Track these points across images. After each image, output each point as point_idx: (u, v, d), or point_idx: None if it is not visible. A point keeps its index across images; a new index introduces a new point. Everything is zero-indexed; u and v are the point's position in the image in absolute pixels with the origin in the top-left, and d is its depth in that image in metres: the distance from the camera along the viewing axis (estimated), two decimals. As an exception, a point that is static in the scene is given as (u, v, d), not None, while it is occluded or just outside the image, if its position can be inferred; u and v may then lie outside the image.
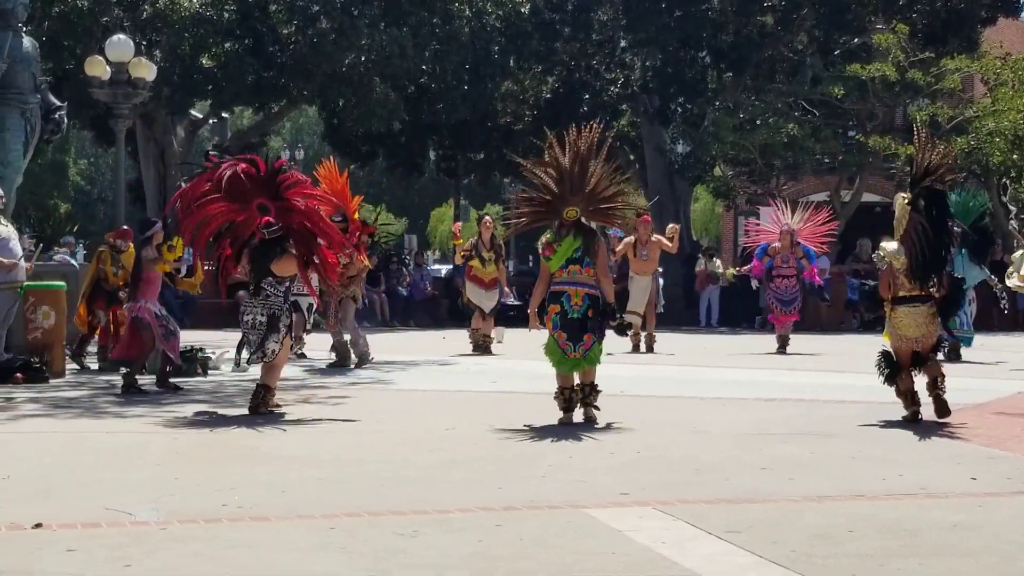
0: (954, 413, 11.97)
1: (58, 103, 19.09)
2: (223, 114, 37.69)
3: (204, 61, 30.68)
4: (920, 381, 12.04)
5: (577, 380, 11.95)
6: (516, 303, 27.99)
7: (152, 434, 11.23)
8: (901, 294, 11.91)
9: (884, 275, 12.16)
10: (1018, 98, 31.93)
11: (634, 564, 6.63)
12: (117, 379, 15.10)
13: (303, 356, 19.29)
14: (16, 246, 15.85)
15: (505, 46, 34.74)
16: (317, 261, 12.60)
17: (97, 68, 22.75)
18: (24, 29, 18.73)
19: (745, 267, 22.87)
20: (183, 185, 13.60)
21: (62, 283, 16.89)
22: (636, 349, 21.89)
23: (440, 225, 66.98)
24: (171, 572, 6.38)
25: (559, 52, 37.38)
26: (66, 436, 11.23)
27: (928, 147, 11.88)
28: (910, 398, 11.92)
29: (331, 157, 19.53)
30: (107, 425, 11.84)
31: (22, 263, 15.87)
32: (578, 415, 11.87)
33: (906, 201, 11.77)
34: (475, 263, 21.32)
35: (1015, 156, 31.82)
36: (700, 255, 34.59)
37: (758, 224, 24.72)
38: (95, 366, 17.48)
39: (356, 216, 17.61)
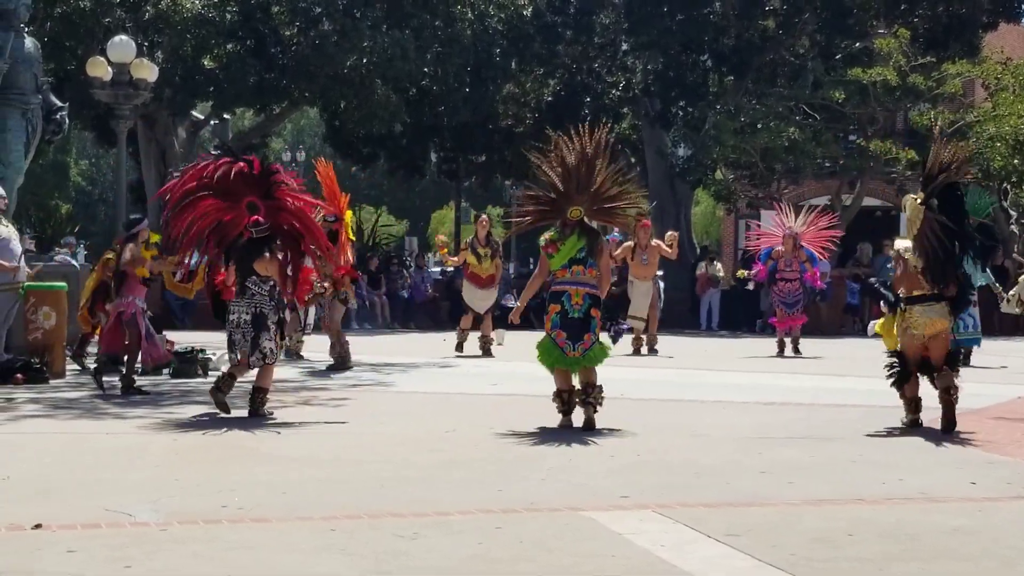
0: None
1: (60, 104, 19.10)
2: (224, 115, 37.70)
3: (206, 62, 30.69)
4: (930, 388, 11.96)
5: (577, 382, 11.93)
6: (516, 304, 27.93)
7: (152, 435, 11.23)
8: (916, 293, 11.82)
9: (900, 276, 12.08)
10: (1019, 103, 31.93)
11: (634, 567, 6.63)
12: (117, 380, 15.09)
13: (301, 357, 19.28)
14: (17, 247, 15.85)
15: (507, 49, 34.75)
16: (290, 273, 12.57)
17: (99, 69, 22.79)
18: (26, 30, 18.75)
19: (751, 271, 22.85)
20: (173, 177, 13.52)
21: (63, 284, 16.89)
22: (637, 353, 21.91)
23: (441, 227, 66.98)
24: (171, 573, 6.39)
25: (561, 55, 37.38)
26: (66, 437, 11.24)
27: (942, 145, 11.85)
28: (913, 405, 11.86)
29: (322, 158, 19.52)
30: (107, 426, 11.84)
31: (23, 263, 15.87)
32: (578, 417, 11.82)
33: (919, 201, 11.71)
34: (471, 260, 21.32)
35: (1016, 161, 31.81)
36: (702, 262, 34.59)
37: (759, 227, 24.73)
38: (93, 365, 17.47)
39: (347, 219, 17.61)
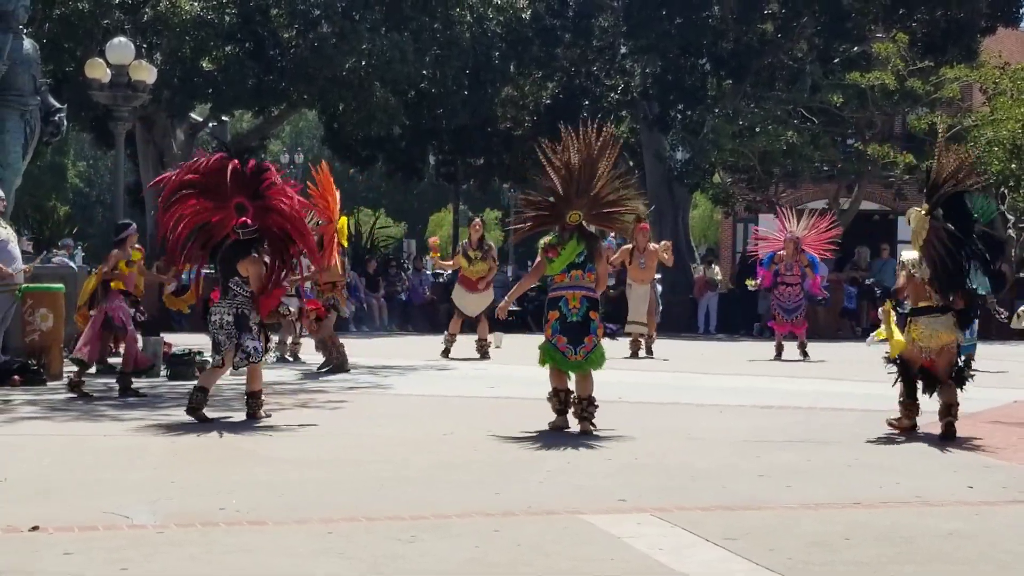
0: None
1: (58, 105, 19.09)
2: (223, 117, 37.69)
3: (204, 64, 30.67)
4: (932, 402, 11.92)
5: (574, 392, 11.92)
6: (514, 308, 28.00)
7: (149, 437, 11.23)
8: (922, 304, 11.79)
9: (902, 285, 12.06)
10: (1017, 107, 31.95)
11: (632, 570, 6.64)
12: (114, 382, 15.11)
13: (299, 360, 19.27)
14: (15, 248, 15.85)
15: (506, 51, 34.73)
16: (271, 277, 12.48)
17: (97, 70, 22.77)
18: (24, 31, 18.73)
19: (758, 280, 22.83)
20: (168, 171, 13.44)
21: (60, 285, 16.88)
22: (635, 356, 21.94)
23: (439, 230, 66.99)
24: None
25: (559, 58, 37.36)
26: (64, 438, 11.24)
27: (945, 154, 11.82)
28: (912, 411, 11.79)
29: (323, 162, 19.54)
30: (104, 428, 11.85)
31: (20, 265, 15.86)
32: (573, 426, 11.80)
33: (924, 212, 11.68)
34: (463, 263, 21.36)
35: (1013, 165, 31.83)
36: (704, 265, 34.64)
37: (758, 232, 24.74)
38: (93, 369, 17.46)
39: (338, 223, 17.60)
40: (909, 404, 11.85)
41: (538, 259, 12.27)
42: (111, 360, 16.16)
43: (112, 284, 14.89)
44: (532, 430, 11.65)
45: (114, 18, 29.11)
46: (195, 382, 12.87)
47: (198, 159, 12.76)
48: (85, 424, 12.18)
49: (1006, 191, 31.31)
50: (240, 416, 12.45)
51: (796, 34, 35.79)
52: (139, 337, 15.33)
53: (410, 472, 9.43)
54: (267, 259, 12.50)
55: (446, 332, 21.50)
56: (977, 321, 19.11)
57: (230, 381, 15.69)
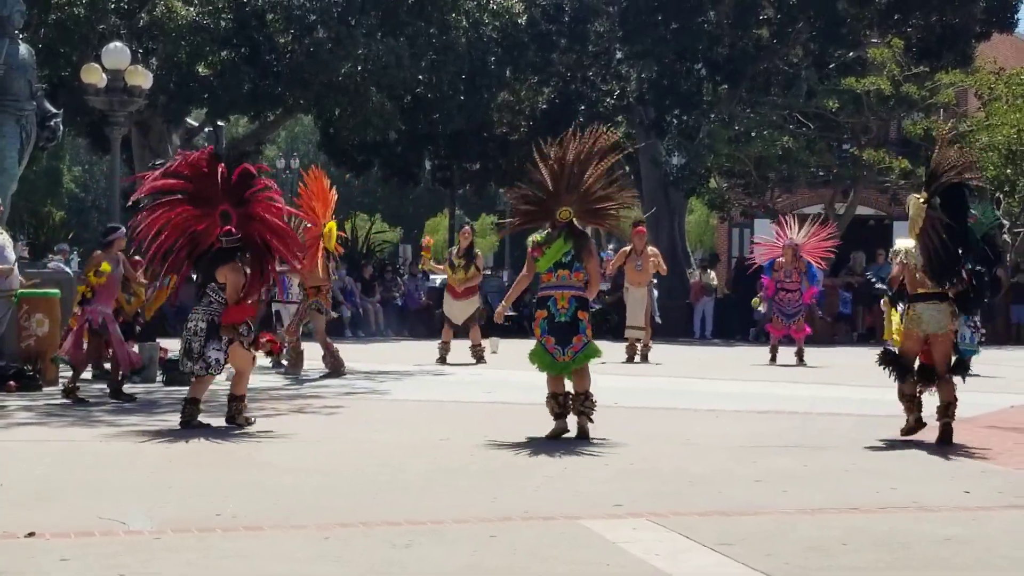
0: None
1: (54, 110, 19.08)
2: (219, 122, 37.68)
3: (200, 69, 30.68)
4: (930, 401, 11.90)
5: (571, 389, 11.90)
6: (510, 313, 27.96)
7: (145, 442, 11.22)
8: (920, 291, 11.77)
9: (896, 274, 12.07)
10: (1012, 113, 32.01)
11: (628, 575, 6.64)
12: (105, 386, 15.13)
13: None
14: (11, 254, 15.85)
15: (501, 57, 34.76)
16: (244, 293, 12.33)
17: (93, 75, 22.75)
18: (20, 36, 18.73)
19: (762, 295, 22.81)
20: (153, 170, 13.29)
21: (56, 291, 16.87)
22: (631, 360, 21.97)
23: (435, 235, 67.02)
24: (165, 581, 6.40)
25: (555, 63, 37.37)
26: (59, 444, 11.23)
27: (945, 147, 11.83)
28: (912, 402, 11.70)
29: (315, 166, 19.53)
30: (100, 433, 11.83)
31: (16, 271, 15.86)
32: (572, 424, 11.80)
33: (921, 200, 11.69)
34: (448, 270, 21.45)
35: (1008, 170, 31.89)
36: (711, 269, 34.66)
37: (756, 242, 24.76)
38: (88, 374, 17.46)
39: (327, 228, 17.58)
40: (909, 399, 11.77)
41: (528, 259, 12.23)
42: (107, 365, 16.14)
43: (79, 288, 14.97)
44: (529, 435, 11.64)
45: (110, 23, 29.11)
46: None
47: (182, 159, 12.62)
48: (81, 429, 12.16)
49: (1001, 196, 31.32)
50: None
51: (791, 39, 35.80)
52: (124, 341, 15.27)
53: (406, 478, 9.43)
54: (247, 269, 12.39)
55: (440, 340, 21.52)
56: (981, 331, 19.22)
57: (225, 386, 15.67)
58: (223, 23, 29.94)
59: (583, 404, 11.75)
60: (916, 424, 11.70)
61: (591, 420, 11.74)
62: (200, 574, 6.52)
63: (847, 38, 35.13)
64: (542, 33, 36.03)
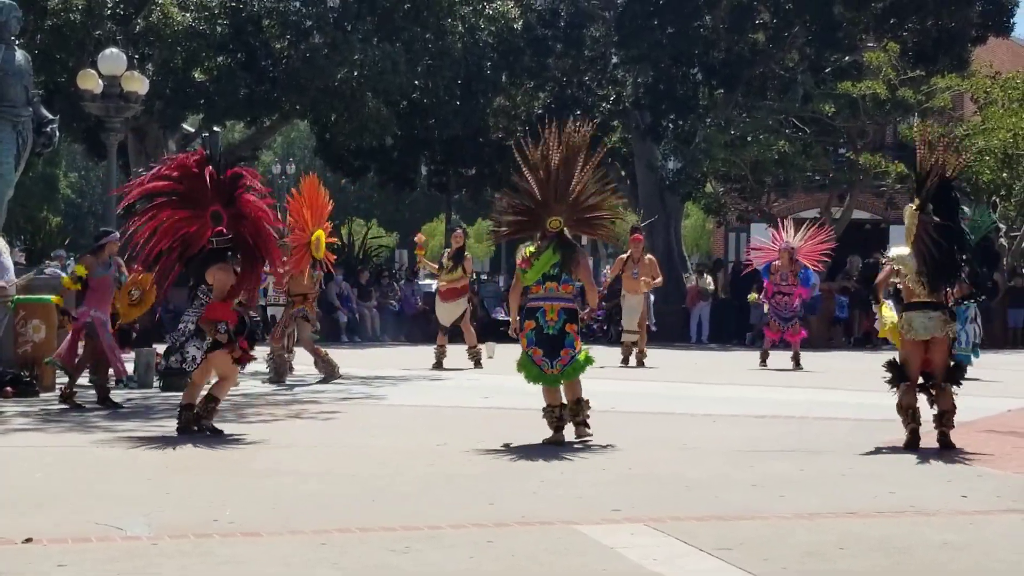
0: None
1: (50, 116, 19.05)
2: (215, 128, 37.67)
3: (196, 75, 30.67)
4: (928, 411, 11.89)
5: (564, 397, 11.87)
6: (507, 318, 28.00)
7: (142, 448, 11.21)
8: (914, 300, 11.76)
9: (882, 280, 12.06)
10: (1008, 117, 32.03)
11: (625, 581, 6.65)
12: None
13: (292, 370, 19.24)
14: (7, 260, 15.83)
15: (497, 62, 34.76)
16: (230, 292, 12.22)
17: (89, 81, 22.74)
18: (17, 42, 18.71)
19: (761, 295, 22.82)
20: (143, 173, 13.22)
21: (53, 297, 16.84)
22: (625, 362, 21.99)
23: (431, 240, 66.96)
24: (162, 587, 6.40)
25: (551, 68, 37.38)
26: (56, 450, 11.22)
27: (931, 150, 11.82)
28: (910, 415, 11.60)
29: (310, 172, 19.54)
30: (97, 439, 11.82)
31: (12, 278, 15.85)
32: (570, 432, 11.78)
33: (914, 207, 11.70)
34: (440, 271, 21.52)
35: (1004, 174, 31.91)
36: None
37: (753, 245, 24.77)
38: (85, 379, 17.44)
39: (314, 236, 17.56)
40: (907, 411, 11.73)
41: (516, 272, 12.22)
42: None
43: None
44: (526, 441, 11.64)
45: (106, 29, 29.08)
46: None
47: (171, 162, 12.58)
48: (78, 435, 12.15)
49: (998, 200, 31.37)
50: (237, 426, 12.43)
51: (787, 44, 35.82)
52: (116, 347, 15.26)
53: (404, 483, 9.42)
54: (237, 269, 12.33)
55: (436, 345, 21.53)
56: (977, 333, 19.21)
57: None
58: (219, 29, 29.92)
59: (578, 413, 11.71)
60: (912, 436, 11.63)
61: (588, 427, 11.71)
62: (198, 580, 6.53)
63: (843, 42, 35.15)
64: (538, 38, 36.04)
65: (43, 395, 15.76)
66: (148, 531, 7.51)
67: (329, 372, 18.16)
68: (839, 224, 34.38)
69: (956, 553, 7.32)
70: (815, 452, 11.32)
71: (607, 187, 12.45)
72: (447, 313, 21.46)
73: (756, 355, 22.58)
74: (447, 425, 13.26)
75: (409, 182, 41.64)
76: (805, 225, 23.05)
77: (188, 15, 29.57)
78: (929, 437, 11.62)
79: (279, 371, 18.25)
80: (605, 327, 30.10)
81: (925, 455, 11.12)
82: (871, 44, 35.25)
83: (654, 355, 22.94)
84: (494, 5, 33.76)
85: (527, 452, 11.07)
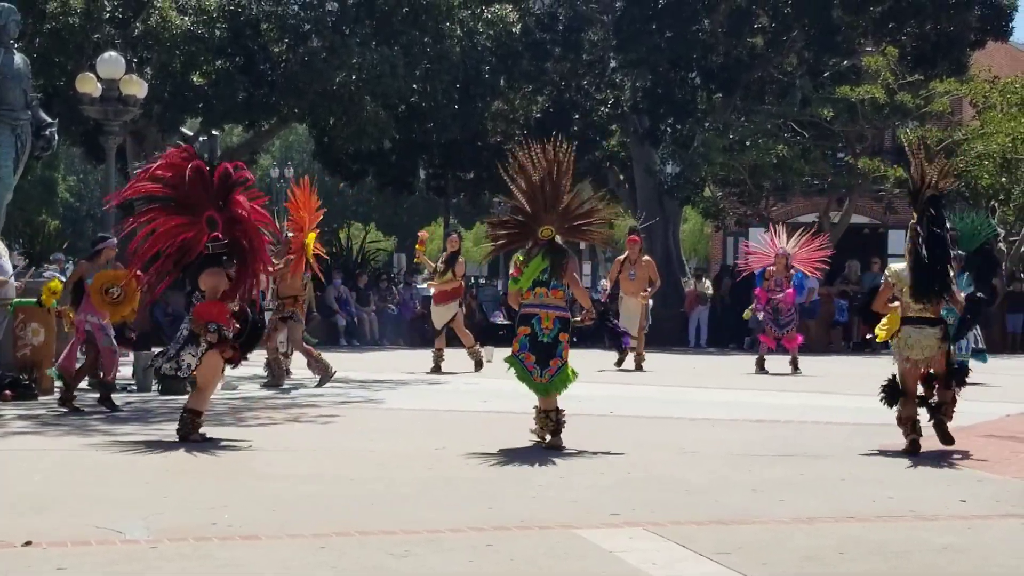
0: (943, 435, 11.96)
1: (49, 120, 19.05)
2: (213, 132, 37.60)
3: (195, 79, 30.65)
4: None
5: (539, 405, 11.87)
6: (506, 322, 28.07)
7: (141, 452, 11.21)
8: (909, 315, 11.78)
9: (882, 291, 12.09)
10: (1007, 121, 32.04)
11: (625, 585, 6.65)
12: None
13: (289, 373, 19.25)
14: (7, 263, 15.84)
15: (496, 66, 34.74)
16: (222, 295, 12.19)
17: (88, 85, 22.76)
18: (15, 46, 18.71)
19: (754, 306, 22.80)
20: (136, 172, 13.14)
21: (52, 300, 16.84)
22: (619, 364, 21.99)
23: (429, 244, 66.96)
24: (162, 591, 6.39)
25: (549, 72, 37.39)
26: (55, 453, 11.21)
27: (924, 161, 11.85)
28: (910, 426, 11.59)
29: (306, 176, 19.56)
30: (96, 442, 11.80)
31: (12, 281, 15.86)
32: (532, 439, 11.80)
33: (913, 222, 11.75)
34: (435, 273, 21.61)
35: (1003, 179, 31.93)
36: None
37: (749, 247, 24.78)
38: (84, 383, 17.44)
39: (308, 240, 17.60)
40: (907, 422, 11.70)
41: (509, 282, 12.29)
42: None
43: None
44: (524, 444, 11.65)
45: (105, 33, 29.06)
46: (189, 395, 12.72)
47: (163, 161, 12.49)
48: (77, 439, 12.14)
49: (996, 205, 31.42)
50: (236, 429, 12.43)
51: (786, 48, 35.85)
52: (116, 350, 15.25)
53: (402, 487, 9.42)
54: (231, 272, 12.26)
55: (433, 349, 21.55)
56: (978, 338, 19.24)
57: (221, 395, 15.69)
58: (218, 32, 29.90)
59: (556, 422, 11.68)
60: (912, 446, 11.59)
61: (560, 433, 11.65)
62: (197, 584, 6.53)
63: (842, 46, 35.17)
64: (536, 42, 36.04)
65: (42, 399, 15.76)
66: (147, 534, 7.51)
67: (323, 372, 18.14)
68: (837, 229, 34.44)
69: (955, 557, 7.32)
70: (814, 456, 11.32)
71: (599, 196, 12.55)
72: (438, 316, 21.54)
73: (754, 359, 22.53)
74: (445, 429, 13.26)
75: (407, 186, 41.64)
76: (799, 232, 23.05)
77: (186, 19, 29.54)
78: (929, 442, 11.64)
79: (276, 375, 18.26)
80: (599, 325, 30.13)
81: (925, 459, 11.12)
82: (870, 48, 35.28)
83: (652, 359, 22.93)
84: (492, 9, 33.75)
85: (526, 456, 11.07)
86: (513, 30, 34.53)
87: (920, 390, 11.88)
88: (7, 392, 15.46)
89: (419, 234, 23.08)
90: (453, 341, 21.68)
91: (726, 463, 10.81)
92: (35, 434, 12.59)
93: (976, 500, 9.20)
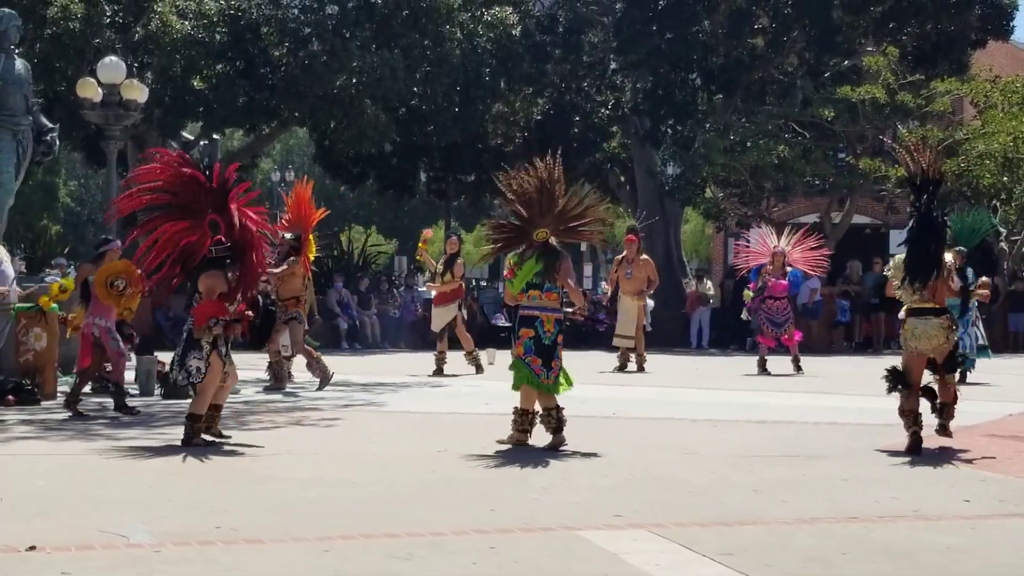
0: (945, 435, 11.98)
1: (50, 125, 19.06)
2: (214, 136, 37.63)
3: (195, 83, 30.66)
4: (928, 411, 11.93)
5: (538, 406, 11.91)
6: (507, 324, 28.06)
7: (145, 456, 11.21)
8: (914, 306, 11.79)
9: (889, 281, 12.16)
10: (1008, 120, 32.03)
11: (628, 586, 6.65)
12: (109, 401, 15.10)
13: (291, 377, 19.25)
14: (8, 268, 15.84)
15: (496, 68, 34.73)
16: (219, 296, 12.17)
17: (89, 90, 22.75)
18: (16, 51, 18.72)
19: (751, 304, 22.80)
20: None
21: (55, 305, 16.85)
22: (623, 368, 21.98)
23: (431, 248, 66.91)
24: (166, 595, 6.39)
25: (550, 74, 37.39)
26: (59, 458, 11.21)
27: (917, 152, 11.91)
28: (912, 418, 11.60)
29: (304, 179, 19.57)
30: (99, 447, 11.80)
31: (14, 286, 15.86)
32: (541, 438, 11.80)
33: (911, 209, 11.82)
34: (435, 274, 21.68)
35: (1005, 178, 31.92)
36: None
37: (747, 245, 24.77)
38: (88, 387, 17.43)
39: (310, 240, 17.67)
40: (909, 414, 11.70)
41: (505, 283, 12.33)
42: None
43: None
44: (527, 446, 11.65)
45: (105, 37, 29.08)
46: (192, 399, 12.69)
47: (158, 168, 12.46)
48: (80, 443, 12.15)
49: (998, 204, 31.42)
50: (238, 433, 12.42)
51: (786, 48, 35.84)
52: (124, 352, 15.26)
53: (405, 489, 9.42)
54: (230, 274, 12.23)
55: (435, 351, 21.55)
56: (980, 336, 19.27)
57: (228, 400, 15.66)
58: (218, 37, 29.91)
59: (559, 420, 11.73)
60: (915, 440, 11.58)
61: (561, 433, 11.70)
62: (201, 588, 6.53)
63: (842, 46, 35.16)
64: (536, 44, 36.05)
65: (45, 403, 15.76)
66: (151, 538, 7.51)
67: (322, 375, 18.13)
68: (839, 229, 34.44)
69: (959, 557, 7.32)
70: (817, 457, 11.32)
71: (593, 200, 12.64)
72: (437, 318, 21.59)
73: (756, 360, 22.53)
74: (447, 431, 13.26)
75: (408, 189, 41.63)
76: (788, 231, 23.03)
77: (187, 23, 29.55)
78: (931, 440, 11.65)
79: (279, 378, 18.26)
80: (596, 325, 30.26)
81: (927, 459, 11.12)
82: (870, 48, 35.27)
83: (654, 360, 22.92)
84: (492, 11, 33.77)
85: (528, 457, 11.07)
86: (513, 32, 34.55)
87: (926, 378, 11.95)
88: (10, 397, 15.45)
89: (423, 232, 23.10)
90: (455, 344, 21.68)
91: (728, 464, 10.81)
92: (38, 438, 12.59)
93: (979, 500, 9.20)
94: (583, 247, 47.07)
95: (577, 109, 38.29)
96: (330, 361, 18.70)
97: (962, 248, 17.76)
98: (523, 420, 11.91)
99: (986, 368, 19.81)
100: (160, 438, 12.38)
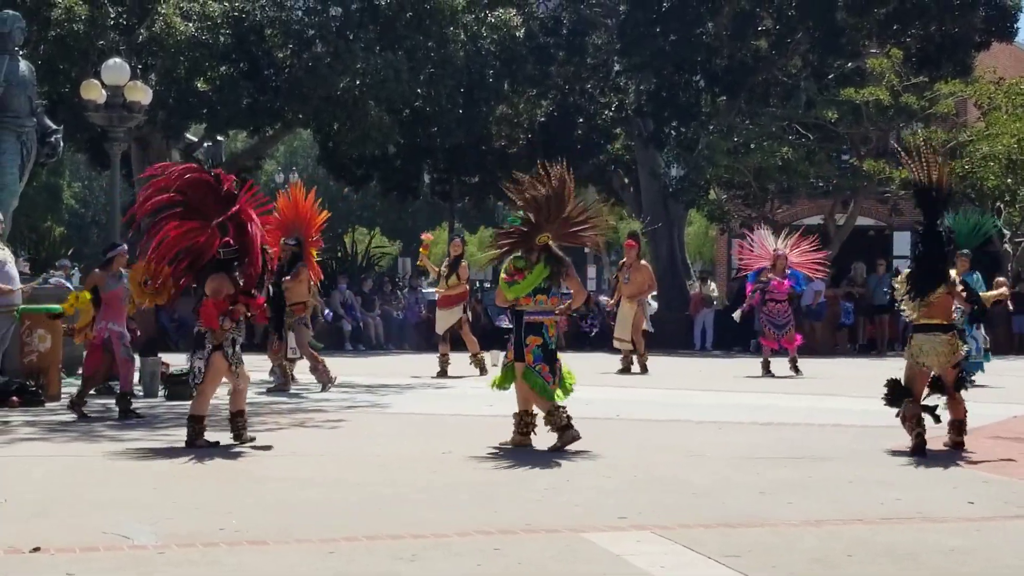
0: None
1: (54, 126, 19.10)
2: (218, 137, 37.68)
3: (199, 84, 30.67)
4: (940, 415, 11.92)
5: (537, 409, 11.94)
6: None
7: (149, 457, 11.22)
8: (921, 322, 11.78)
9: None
10: (1012, 122, 32.01)
11: (633, 588, 6.64)
12: (113, 402, 15.10)
13: (294, 379, 19.26)
14: (13, 269, 15.85)
15: (500, 70, 34.73)
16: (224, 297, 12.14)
17: (93, 91, 22.72)
18: (20, 53, 18.74)
19: (745, 307, 22.80)
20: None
21: (58, 307, 16.85)
22: (626, 371, 21.97)
23: (434, 248, 66.89)
24: (170, 596, 6.39)
25: (553, 76, 37.38)
26: (63, 459, 11.22)
27: (924, 160, 11.89)
28: (915, 421, 11.56)
29: (300, 182, 19.61)
30: (103, 448, 11.81)
31: (18, 288, 15.87)
32: (545, 441, 11.81)
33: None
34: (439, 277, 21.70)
35: (1009, 180, 31.90)
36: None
37: (748, 248, 24.76)
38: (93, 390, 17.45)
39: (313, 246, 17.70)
40: (912, 419, 11.67)
41: (499, 287, 12.33)
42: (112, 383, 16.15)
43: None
44: (530, 448, 11.65)
45: (109, 39, 29.09)
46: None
47: (165, 173, 12.48)
48: (84, 445, 12.16)
49: (1002, 206, 31.38)
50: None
51: (790, 50, 35.83)
52: (133, 359, 15.28)
53: (409, 491, 9.42)
54: (236, 275, 12.22)
55: (439, 353, 21.56)
56: (985, 339, 19.25)
57: (226, 401, 15.66)
58: (222, 39, 29.93)
59: (560, 418, 11.73)
60: (919, 441, 11.56)
61: (572, 428, 11.70)
62: (205, 589, 6.53)
63: (846, 48, 35.15)
64: (540, 46, 36.04)
65: (49, 404, 15.77)
66: (155, 540, 7.51)
67: (325, 380, 18.14)
68: (843, 231, 34.41)
69: (963, 559, 7.31)
70: (821, 458, 11.31)
71: (601, 202, 12.70)
72: (441, 320, 21.64)
73: (760, 362, 22.53)
74: (451, 433, 13.26)
75: (412, 190, 41.65)
76: (785, 233, 23.01)
77: (191, 25, 29.58)
78: (935, 442, 11.64)
79: (283, 380, 18.27)
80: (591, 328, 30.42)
81: (932, 461, 11.11)
82: (874, 50, 35.23)
83: (658, 363, 22.92)
84: (496, 13, 33.76)
85: (531, 459, 11.07)
86: (517, 34, 34.54)
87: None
88: (14, 398, 15.47)
89: (422, 237, 23.11)
90: (459, 345, 21.69)
91: (732, 465, 10.81)
92: (42, 440, 12.60)
93: (983, 501, 9.19)
94: (585, 249, 47.07)
95: (581, 111, 38.29)
96: (334, 363, 18.72)
97: (966, 251, 17.74)
98: (523, 422, 11.92)
99: (990, 370, 19.79)
100: (164, 439, 12.39)
